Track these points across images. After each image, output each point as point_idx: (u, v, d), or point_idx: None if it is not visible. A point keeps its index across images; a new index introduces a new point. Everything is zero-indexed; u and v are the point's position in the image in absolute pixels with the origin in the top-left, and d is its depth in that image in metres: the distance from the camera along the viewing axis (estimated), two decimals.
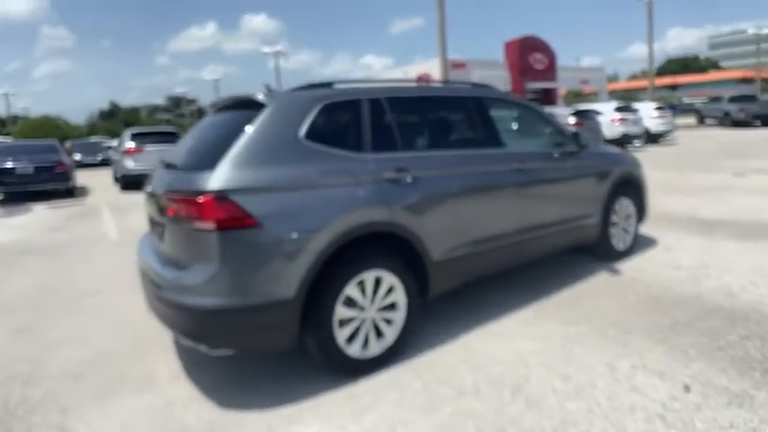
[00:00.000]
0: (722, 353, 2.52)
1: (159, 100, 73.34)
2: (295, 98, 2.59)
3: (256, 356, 2.74)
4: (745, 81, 41.50)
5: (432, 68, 32.20)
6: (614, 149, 4.39)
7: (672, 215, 5.71)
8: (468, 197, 2.94)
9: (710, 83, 29.73)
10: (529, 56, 33.88)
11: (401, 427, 2.08)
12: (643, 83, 41.93)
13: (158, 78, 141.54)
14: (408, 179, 2.67)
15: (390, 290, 2.60)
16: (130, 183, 11.39)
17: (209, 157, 2.34)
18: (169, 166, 2.72)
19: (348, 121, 2.68)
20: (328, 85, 2.79)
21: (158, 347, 3.01)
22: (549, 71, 33.71)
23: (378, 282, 2.54)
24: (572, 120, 13.02)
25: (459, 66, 34.02)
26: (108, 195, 11.38)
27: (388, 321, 2.61)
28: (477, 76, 33.79)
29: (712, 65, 70.17)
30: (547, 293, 3.49)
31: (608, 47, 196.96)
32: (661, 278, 3.67)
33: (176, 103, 67.02)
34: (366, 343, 2.53)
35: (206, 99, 66.15)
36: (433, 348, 2.78)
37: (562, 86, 35.44)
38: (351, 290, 2.44)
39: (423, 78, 33.92)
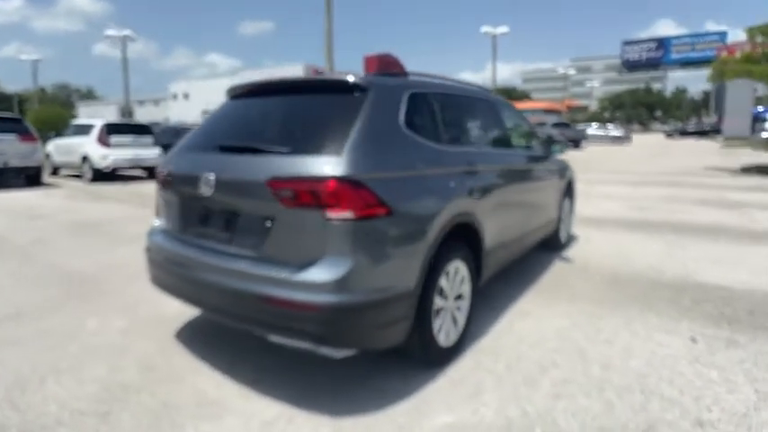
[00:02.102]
0: (693, 313, 3.30)
1: None
2: (390, 84, 2.55)
3: (369, 355, 2.55)
4: (549, 111, 51.35)
5: (294, 73, 32.14)
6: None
7: None
8: (502, 191, 3.24)
9: (525, 111, 36.32)
10: (385, 72, 36.28)
11: (526, 404, 2.24)
12: None
13: None
14: (476, 172, 2.85)
15: (462, 279, 2.73)
16: None
17: (316, 141, 2.17)
18: (234, 149, 2.38)
19: (427, 112, 2.73)
20: (395, 74, 2.78)
21: (193, 373, 2.59)
22: None
23: (456, 271, 2.65)
24: None
25: (320, 74, 34.60)
26: None
27: (459, 309, 2.73)
28: None
29: (526, 95, 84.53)
30: (533, 282, 3.99)
31: (444, 72, 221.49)
32: (603, 263, 4.53)
33: None
34: (447, 332, 2.61)
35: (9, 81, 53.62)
36: (486, 332, 2.99)
37: None
38: (442, 280, 2.50)
39: None
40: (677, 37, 52.03)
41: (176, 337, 2.98)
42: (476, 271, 2.91)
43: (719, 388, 2.36)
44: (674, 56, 52.19)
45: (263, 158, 2.23)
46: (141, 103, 62.81)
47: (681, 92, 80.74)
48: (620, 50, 56.49)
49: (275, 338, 2.13)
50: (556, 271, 4.30)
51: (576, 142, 27.82)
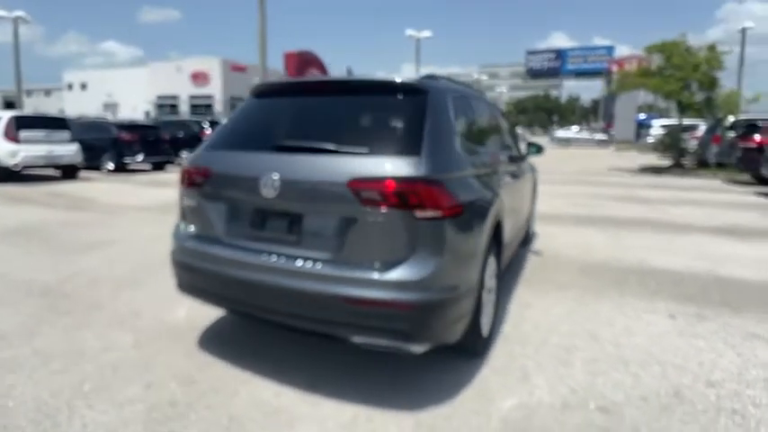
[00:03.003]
0: (661, 294, 3.83)
1: None
2: (441, 87, 2.62)
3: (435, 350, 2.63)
4: None
5: (211, 68, 30.36)
6: None
7: None
8: (508, 189, 3.50)
9: None
10: (306, 69, 35.60)
11: (570, 382, 2.50)
12: None
13: None
14: (497, 172, 3.07)
15: (493, 273, 2.92)
16: None
17: (391, 142, 2.23)
18: (299, 150, 2.33)
19: (463, 114, 2.85)
20: (433, 76, 2.86)
21: (243, 383, 2.49)
22: None
23: (490, 266, 2.84)
24: None
25: (239, 69, 33.06)
26: None
27: (491, 302, 2.92)
28: (257, 81, 33.62)
29: None
30: (518, 275, 4.32)
31: (359, 71, 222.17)
32: (570, 254, 5.02)
33: None
34: (486, 323, 2.78)
35: None
36: (503, 322, 3.23)
37: None
38: (486, 274, 2.68)
39: (198, 76, 31.46)
40: (572, 49, 57.22)
41: (199, 346, 2.82)
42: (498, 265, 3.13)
43: (711, 354, 2.81)
44: (570, 66, 57.00)
45: (338, 159, 2.21)
46: (29, 93, 55.09)
47: (574, 99, 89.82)
48: (524, 59, 60.57)
49: (358, 339, 2.15)
50: (534, 264, 4.70)
51: None
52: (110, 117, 26.18)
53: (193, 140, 14.87)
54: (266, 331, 3.03)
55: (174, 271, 2.68)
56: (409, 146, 2.18)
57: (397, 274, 2.06)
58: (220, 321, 3.19)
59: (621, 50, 52.66)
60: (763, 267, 4.65)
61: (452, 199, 2.16)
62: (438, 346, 2.26)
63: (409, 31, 29.60)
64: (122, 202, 8.10)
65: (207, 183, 2.51)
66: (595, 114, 66.11)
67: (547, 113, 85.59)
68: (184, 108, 30.66)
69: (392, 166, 2.11)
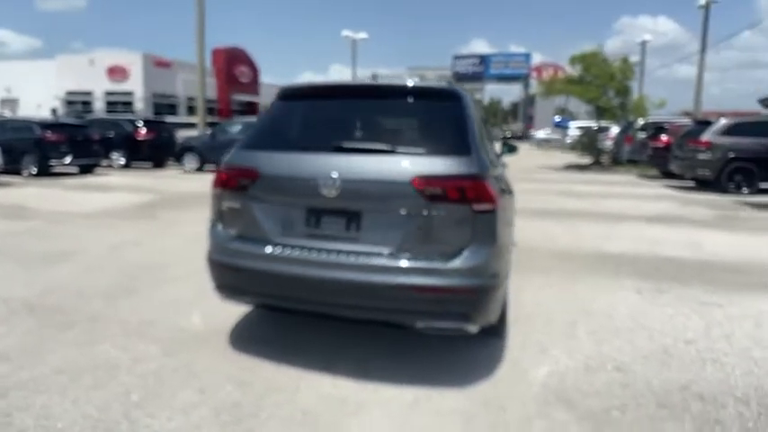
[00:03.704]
0: (623, 274, 4.42)
1: None
2: (467, 92, 2.83)
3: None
4: None
5: (131, 62, 28.26)
6: None
7: None
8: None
9: None
10: (235, 67, 34.41)
11: (584, 350, 2.88)
12: None
13: None
14: (504, 165, 3.41)
15: None
16: None
17: (443, 142, 2.45)
18: (358, 150, 2.46)
19: (479, 115, 3.10)
20: (376, 77, 3.12)
21: (299, 379, 2.59)
22: (253, 85, 35.17)
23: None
24: None
25: (164, 65, 31.13)
26: None
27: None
28: (183, 78, 31.85)
29: None
30: None
31: (283, 72, 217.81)
32: (541, 244, 5.53)
33: None
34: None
35: None
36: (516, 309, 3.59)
37: (267, 102, 37.38)
38: None
39: (116, 71, 29.15)
40: (494, 55, 60.48)
41: (234, 348, 2.83)
42: None
43: (680, 319, 3.36)
44: (493, 71, 60.07)
45: (398, 159, 2.38)
46: None
47: (496, 102, 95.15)
48: (450, 63, 62.71)
49: (421, 324, 2.34)
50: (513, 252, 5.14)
51: None
52: (8, 114, 23.45)
53: (127, 141, 13.90)
54: (294, 327, 3.10)
55: (214, 273, 2.67)
56: (458, 146, 2.41)
57: (458, 262, 2.28)
58: (243, 323, 3.19)
59: (536, 57, 56.55)
60: (692, 248, 5.49)
61: (496, 193, 2.43)
62: (485, 326, 2.53)
63: (345, 32, 29.78)
64: (62, 209, 7.45)
65: (255, 184, 2.54)
66: (515, 116, 70.46)
67: None
68: (99, 105, 28.25)
69: (450, 165, 2.33)
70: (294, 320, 3.19)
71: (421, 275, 2.28)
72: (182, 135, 15.18)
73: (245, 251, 2.54)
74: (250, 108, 33.95)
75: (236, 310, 3.26)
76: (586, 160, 17.54)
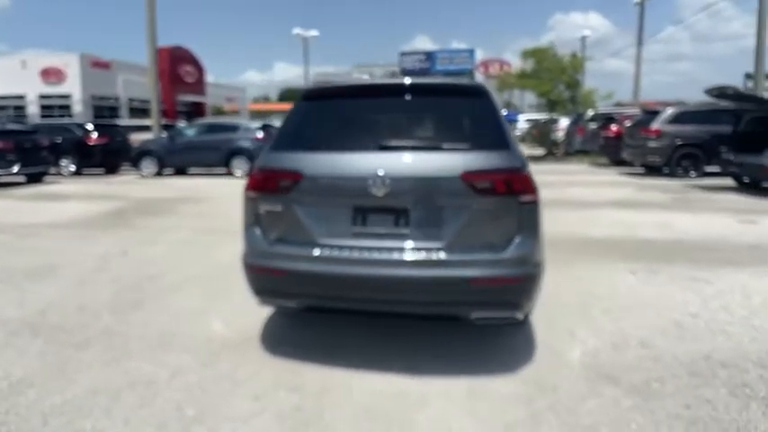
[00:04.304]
0: (614, 256, 4.72)
1: None
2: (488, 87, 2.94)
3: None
4: None
5: (67, 64, 26.30)
6: None
7: None
8: None
9: None
10: (179, 67, 32.89)
11: (605, 327, 3.07)
12: (274, 105, 49.78)
13: None
14: None
15: None
16: None
17: (483, 138, 2.53)
18: (396, 148, 2.49)
19: None
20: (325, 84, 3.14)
21: (350, 377, 2.59)
22: (199, 85, 33.84)
23: None
24: (260, 134, 13.02)
25: (102, 65, 29.22)
26: None
27: None
28: (123, 79, 30.08)
29: None
30: None
31: (225, 71, 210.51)
32: None
33: None
34: None
35: None
36: None
37: (211, 102, 35.93)
38: None
39: (50, 73, 27.07)
40: (440, 51, 61.59)
41: (271, 354, 2.78)
42: None
43: (678, 295, 3.65)
44: (439, 67, 61.20)
45: (444, 155, 2.43)
46: None
47: None
48: (398, 59, 63.24)
49: (476, 315, 2.41)
50: None
51: None
52: None
53: (77, 147, 12.99)
54: (320, 329, 3.10)
55: (253, 278, 2.61)
56: (498, 141, 2.50)
57: (509, 252, 2.37)
58: (269, 328, 3.14)
59: (478, 53, 58.14)
60: (663, 229, 5.94)
61: (534, 185, 2.55)
62: (528, 313, 2.64)
63: (296, 30, 29.22)
64: (27, 221, 6.90)
65: (298, 186, 2.50)
66: None
67: None
68: (33, 110, 26.18)
69: (495, 159, 2.41)
70: (319, 321, 3.18)
71: (475, 267, 2.35)
72: (137, 138, 14.39)
73: (289, 254, 2.51)
74: (196, 109, 32.58)
75: (254, 316, 3.22)
76: (539, 152, 18.35)
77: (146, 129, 16.66)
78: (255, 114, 49.38)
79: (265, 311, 3.27)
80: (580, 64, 16.47)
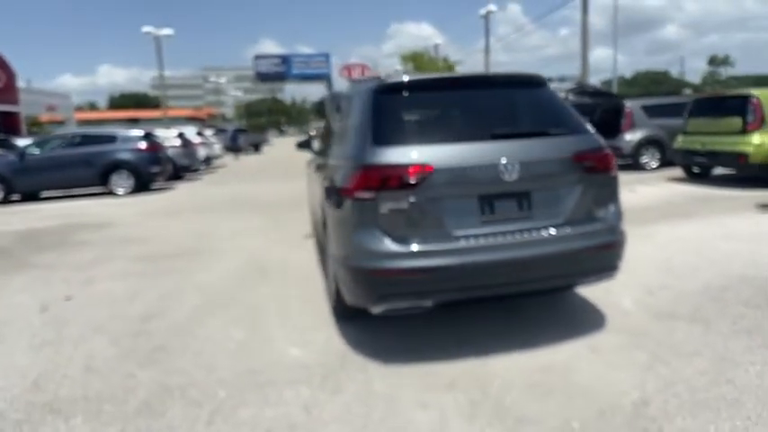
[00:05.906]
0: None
1: None
2: None
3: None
4: (192, 119, 51.31)
5: None
6: None
7: None
8: None
9: (169, 118, 34.63)
10: None
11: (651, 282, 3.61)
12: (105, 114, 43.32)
13: None
14: None
15: None
16: None
17: (570, 123, 2.83)
18: (510, 136, 2.66)
19: None
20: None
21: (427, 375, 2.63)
22: (9, 92, 27.53)
23: None
24: (143, 144, 12.36)
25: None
26: None
27: None
28: None
29: (160, 103, 79.21)
30: None
31: (34, 74, 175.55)
32: None
33: None
34: None
35: None
36: None
37: (28, 111, 29.77)
38: None
39: None
40: (296, 55, 61.41)
41: (391, 364, 2.64)
42: None
43: (708, 231, 4.47)
44: (295, 71, 61.01)
45: (555, 139, 2.68)
46: None
47: (302, 102, 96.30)
48: (252, 63, 61.42)
49: (582, 281, 2.74)
50: None
51: (256, 146, 29.81)
52: None
53: None
54: (403, 328, 3.02)
55: (374, 282, 2.48)
56: (580, 125, 2.84)
57: (609, 221, 2.73)
58: (353, 340, 2.93)
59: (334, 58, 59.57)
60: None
61: None
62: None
63: (147, 29, 25.87)
64: None
65: (427, 179, 2.44)
66: (321, 114, 72.96)
67: (279, 115, 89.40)
68: None
69: (589, 141, 2.75)
70: (393, 323, 3.04)
71: (590, 238, 2.63)
72: None
73: (425, 251, 2.45)
74: (6, 120, 25.79)
75: (318, 334, 3.05)
76: None
77: None
78: (83, 124, 42.63)
79: (323, 328, 3.09)
80: (452, 67, 18.30)
